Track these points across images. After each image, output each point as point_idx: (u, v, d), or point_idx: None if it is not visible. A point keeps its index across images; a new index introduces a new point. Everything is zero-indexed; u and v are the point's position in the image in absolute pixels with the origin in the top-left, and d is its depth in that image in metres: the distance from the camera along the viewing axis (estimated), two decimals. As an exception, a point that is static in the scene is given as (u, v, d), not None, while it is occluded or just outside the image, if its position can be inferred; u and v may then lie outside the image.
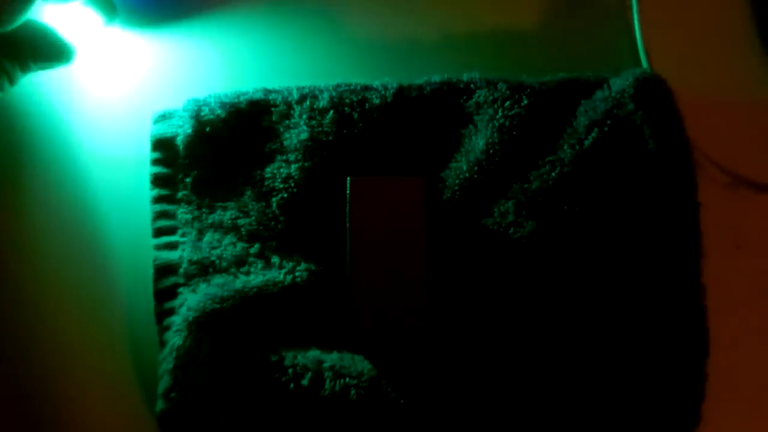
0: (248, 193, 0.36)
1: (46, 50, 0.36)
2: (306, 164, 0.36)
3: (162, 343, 0.33)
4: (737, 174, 0.38)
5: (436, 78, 0.37)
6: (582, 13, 0.40)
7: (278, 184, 0.36)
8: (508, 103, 0.36)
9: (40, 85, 0.38)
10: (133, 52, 0.39)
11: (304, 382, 0.32)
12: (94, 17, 0.37)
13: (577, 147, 0.35)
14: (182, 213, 0.35)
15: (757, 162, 0.38)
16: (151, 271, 0.34)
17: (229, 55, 0.39)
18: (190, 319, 0.32)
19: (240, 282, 0.34)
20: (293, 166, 0.36)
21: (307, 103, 0.36)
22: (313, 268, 0.35)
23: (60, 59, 0.36)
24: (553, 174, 0.35)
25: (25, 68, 0.35)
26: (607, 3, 0.41)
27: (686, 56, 0.40)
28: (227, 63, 0.39)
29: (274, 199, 0.36)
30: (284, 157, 0.36)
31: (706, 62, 0.40)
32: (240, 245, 0.35)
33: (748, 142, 0.39)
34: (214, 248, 0.35)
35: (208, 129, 0.36)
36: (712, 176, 0.38)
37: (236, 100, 0.36)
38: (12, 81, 0.35)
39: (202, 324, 0.32)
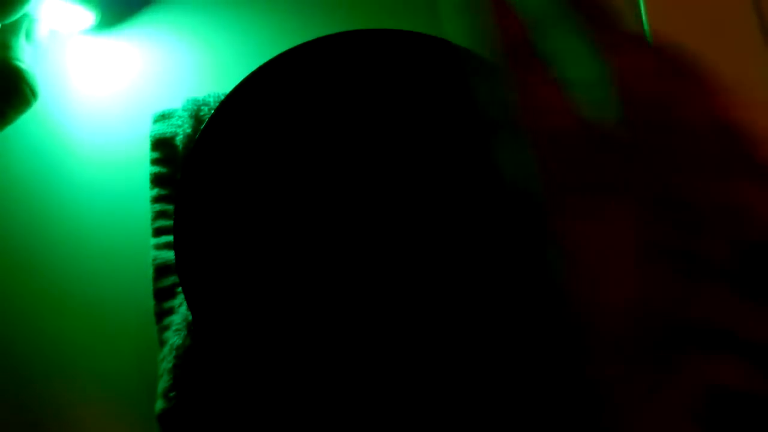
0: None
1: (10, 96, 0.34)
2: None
3: (161, 343, 0.33)
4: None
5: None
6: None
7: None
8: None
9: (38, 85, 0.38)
10: (131, 51, 0.39)
11: (304, 381, 0.32)
12: (87, 15, 0.38)
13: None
14: (181, 212, 0.35)
15: None
16: (150, 270, 0.34)
17: (228, 54, 0.39)
18: (190, 318, 0.32)
19: (239, 281, 0.34)
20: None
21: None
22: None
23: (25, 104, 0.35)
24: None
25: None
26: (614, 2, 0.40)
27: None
28: (226, 62, 0.39)
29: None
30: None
31: (718, 61, 0.40)
32: (239, 244, 0.35)
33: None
34: (213, 248, 0.35)
35: (207, 128, 0.36)
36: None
37: (235, 100, 0.36)
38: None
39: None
